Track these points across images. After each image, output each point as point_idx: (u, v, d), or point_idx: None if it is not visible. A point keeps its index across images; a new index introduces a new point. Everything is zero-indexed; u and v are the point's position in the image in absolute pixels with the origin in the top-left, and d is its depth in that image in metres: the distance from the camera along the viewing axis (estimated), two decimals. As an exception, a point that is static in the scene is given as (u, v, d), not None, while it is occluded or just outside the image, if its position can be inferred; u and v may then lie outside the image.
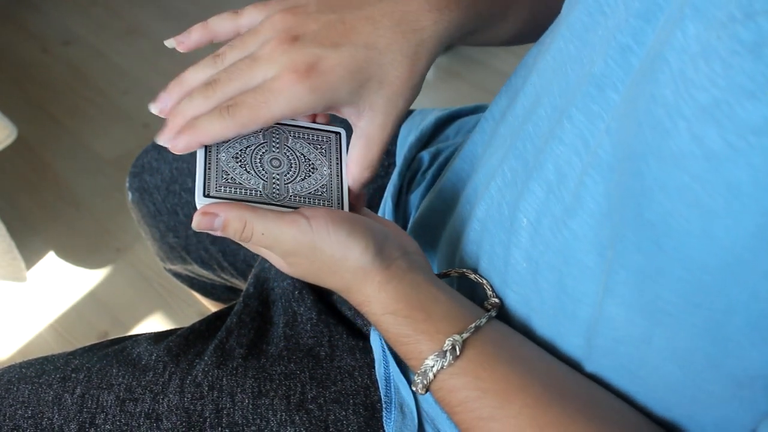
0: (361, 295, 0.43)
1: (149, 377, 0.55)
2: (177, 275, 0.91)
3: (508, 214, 0.43)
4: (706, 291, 0.31)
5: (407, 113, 0.62)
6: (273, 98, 0.42)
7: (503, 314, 0.46)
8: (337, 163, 0.48)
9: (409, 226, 0.58)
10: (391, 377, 0.51)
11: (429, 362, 0.41)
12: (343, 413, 0.53)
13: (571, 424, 0.38)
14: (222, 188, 0.44)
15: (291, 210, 0.44)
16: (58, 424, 0.53)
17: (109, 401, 0.54)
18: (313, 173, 0.47)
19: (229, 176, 0.44)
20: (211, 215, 0.42)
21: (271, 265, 0.64)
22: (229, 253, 0.77)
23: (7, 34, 1.86)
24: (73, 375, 0.56)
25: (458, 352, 0.40)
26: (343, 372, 0.56)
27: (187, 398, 0.54)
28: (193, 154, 0.44)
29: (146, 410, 0.54)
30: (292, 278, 0.62)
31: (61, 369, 0.56)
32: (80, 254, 1.41)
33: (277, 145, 0.47)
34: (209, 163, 0.44)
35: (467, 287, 0.49)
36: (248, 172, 0.45)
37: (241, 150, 0.45)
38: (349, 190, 0.47)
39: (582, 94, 0.38)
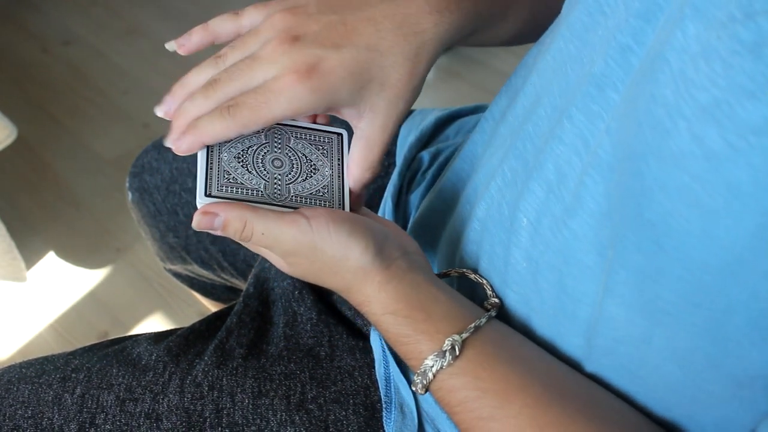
0: (361, 295, 0.43)
1: (149, 377, 0.55)
2: (177, 275, 0.91)
3: (508, 213, 0.43)
4: (706, 291, 0.31)
5: (407, 114, 0.62)
6: (274, 98, 0.42)
7: (503, 314, 0.46)
8: (339, 164, 0.48)
9: (409, 226, 0.58)
10: (391, 377, 0.51)
11: (428, 362, 0.41)
12: (343, 413, 0.53)
13: (571, 424, 0.38)
14: (223, 188, 0.44)
15: (292, 210, 0.44)
16: (58, 424, 0.53)
17: (109, 401, 0.54)
18: (314, 174, 0.47)
19: (231, 176, 0.44)
20: (211, 215, 0.42)
21: (271, 265, 0.64)
22: (229, 253, 0.77)
23: (7, 34, 1.86)
24: (73, 375, 0.56)
25: (458, 352, 0.40)
26: (343, 372, 0.56)
27: (187, 398, 0.54)
28: (194, 154, 0.44)
29: (146, 410, 0.54)
30: (292, 278, 0.62)
31: (61, 369, 0.56)
32: (80, 254, 1.41)
33: (279, 146, 0.47)
34: (211, 163, 0.44)
35: (467, 287, 0.49)
36: (250, 172, 0.45)
37: (242, 150, 0.45)
38: (350, 191, 0.47)
39: (582, 93, 0.38)
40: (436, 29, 0.45)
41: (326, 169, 0.47)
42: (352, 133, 0.47)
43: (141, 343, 0.59)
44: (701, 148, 0.28)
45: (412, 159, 0.65)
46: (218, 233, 0.43)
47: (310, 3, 0.45)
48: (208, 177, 0.44)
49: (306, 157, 0.47)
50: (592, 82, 0.38)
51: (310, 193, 0.46)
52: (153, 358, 0.57)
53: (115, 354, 0.58)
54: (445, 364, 0.40)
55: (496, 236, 0.44)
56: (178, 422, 0.53)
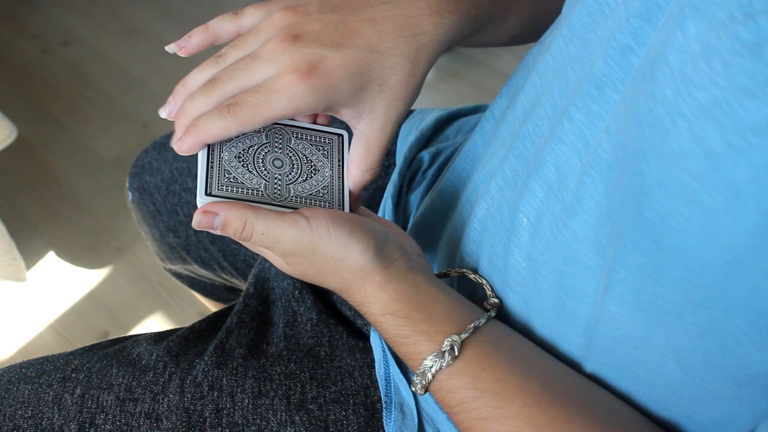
0: (361, 295, 0.43)
1: (149, 377, 0.55)
2: (177, 275, 0.91)
3: (508, 213, 0.43)
4: (706, 290, 0.31)
5: (407, 114, 0.62)
6: (274, 97, 0.42)
7: (503, 314, 0.46)
8: (339, 165, 0.48)
9: (410, 226, 0.58)
10: (391, 377, 0.51)
11: (428, 362, 0.41)
12: (343, 413, 0.53)
13: (570, 424, 0.38)
14: (224, 187, 0.44)
15: (292, 210, 0.44)
16: (58, 424, 0.53)
17: (109, 401, 0.54)
18: (314, 175, 0.47)
19: (231, 175, 0.44)
20: (211, 214, 0.42)
21: (271, 265, 0.64)
22: (229, 253, 0.77)
23: (7, 34, 1.86)
24: (73, 375, 0.56)
25: (457, 353, 0.40)
26: (343, 372, 0.56)
27: (187, 398, 0.54)
28: (195, 154, 0.44)
29: (146, 410, 0.54)
30: (292, 278, 0.62)
31: (61, 369, 0.56)
32: (80, 254, 1.41)
33: (280, 146, 0.47)
34: (212, 162, 0.44)
35: (467, 287, 0.49)
36: (250, 171, 0.45)
37: (243, 150, 0.45)
38: (350, 192, 0.47)
39: (582, 93, 0.38)
40: (436, 31, 0.45)
41: (326, 170, 0.47)
42: (352, 134, 0.47)
43: (141, 343, 0.59)
44: (701, 148, 0.28)
45: (413, 159, 0.65)
46: (218, 233, 0.43)
47: (310, 2, 0.45)
48: (209, 176, 0.44)
49: (306, 158, 0.47)
50: (592, 81, 0.38)
51: (310, 194, 0.46)
52: (153, 358, 0.57)
53: (115, 354, 0.58)
54: (444, 364, 0.40)
55: (497, 236, 0.45)
56: (178, 422, 0.53)
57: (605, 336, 0.38)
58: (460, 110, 0.71)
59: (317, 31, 0.43)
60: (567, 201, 0.38)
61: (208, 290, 0.92)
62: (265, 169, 0.45)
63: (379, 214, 0.62)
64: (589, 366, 0.41)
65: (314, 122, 0.49)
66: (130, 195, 0.82)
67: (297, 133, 0.48)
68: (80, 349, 0.60)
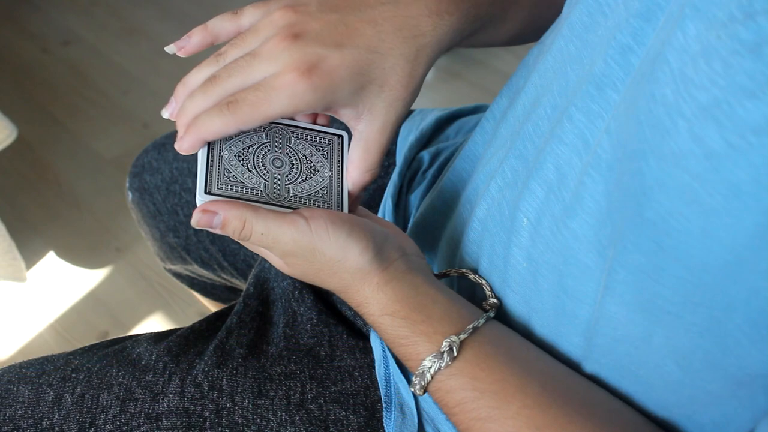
0: (360, 296, 0.44)
1: (149, 377, 0.55)
2: (177, 275, 0.91)
3: (508, 213, 0.43)
4: (706, 290, 0.31)
5: (406, 115, 0.62)
6: (275, 95, 0.42)
7: (504, 314, 0.46)
8: (338, 166, 0.48)
9: (410, 226, 0.58)
10: (391, 377, 0.51)
11: (426, 363, 0.41)
12: (343, 413, 0.53)
13: (569, 425, 0.38)
14: (223, 186, 0.44)
15: (291, 210, 0.44)
16: (58, 424, 0.53)
17: (109, 401, 0.54)
18: (314, 175, 0.47)
19: (231, 174, 0.44)
20: (210, 213, 0.42)
21: (271, 264, 0.64)
22: (229, 253, 0.77)
23: (7, 34, 1.86)
24: (73, 375, 0.56)
25: (455, 353, 0.40)
26: (343, 372, 0.56)
27: (187, 398, 0.54)
28: (195, 153, 0.44)
29: (146, 410, 0.54)
30: (292, 278, 0.62)
31: (61, 369, 0.56)
32: (80, 254, 1.41)
33: (280, 146, 0.47)
34: (212, 161, 0.44)
35: (468, 287, 0.49)
36: (250, 171, 0.45)
37: (243, 149, 0.45)
38: (349, 193, 0.47)
39: (582, 93, 0.38)
40: (435, 32, 0.45)
41: (326, 171, 0.47)
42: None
43: (141, 343, 0.59)
44: (701, 148, 0.28)
45: (413, 159, 0.65)
46: (217, 232, 0.43)
47: (310, 2, 0.45)
48: (209, 174, 0.44)
49: (306, 158, 0.47)
50: (592, 81, 0.38)
51: (309, 194, 0.46)
52: (153, 358, 0.57)
53: (115, 354, 0.58)
54: (443, 365, 0.40)
55: (497, 236, 0.45)
56: (178, 422, 0.53)
57: (605, 336, 0.38)
58: (460, 110, 0.71)
59: (317, 30, 0.43)
60: (567, 201, 0.38)
61: (208, 290, 0.92)
62: (264, 169, 0.45)
63: (379, 214, 0.62)
64: (589, 366, 0.41)
65: (314, 122, 0.49)
66: (130, 195, 0.82)
67: (297, 133, 0.48)
68: (80, 349, 0.60)
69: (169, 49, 0.48)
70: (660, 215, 0.31)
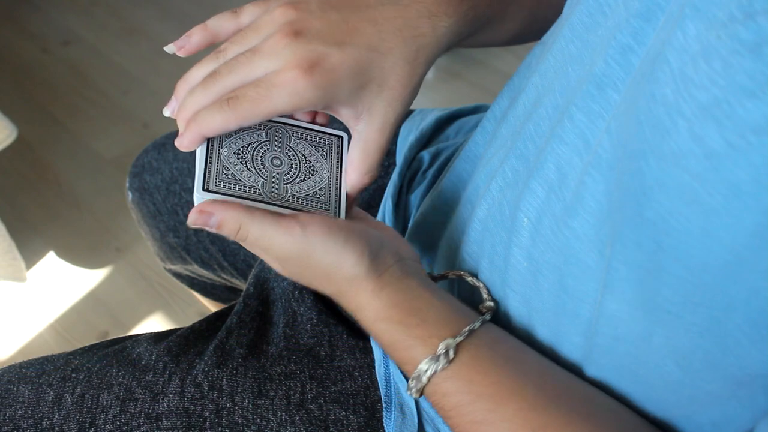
0: (355, 302, 0.44)
1: (149, 377, 0.55)
2: (177, 275, 0.91)
3: (509, 213, 0.43)
4: (706, 289, 0.31)
5: (406, 115, 0.62)
6: (275, 92, 0.42)
7: (504, 314, 0.46)
8: (337, 167, 0.48)
9: (410, 226, 0.58)
10: (391, 377, 0.51)
11: (422, 366, 0.41)
12: (343, 413, 0.53)
13: (566, 426, 0.38)
14: (221, 183, 0.44)
15: (288, 211, 0.44)
16: (58, 424, 0.53)
17: (109, 401, 0.54)
18: (312, 175, 0.47)
19: (230, 172, 0.44)
20: (207, 214, 0.42)
21: (271, 264, 0.64)
22: (229, 253, 0.77)
23: (7, 34, 1.86)
24: (73, 375, 0.56)
25: (451, 356, 0.40)
26: (343, 372, 0.56)
27: (187, 398, 0.54)
28: (194, 152, 0.44)
29: (146, 410, 0.54)
30: (292, 278, 0.62)
31: (61, 369, 0.56)
32: (80, 254, 1.41)
33: (279, 145, 0.47)
34: (210, 157, 0.44)
35: (467, 289, 0.49)
36: (249, 169, 0.45)
37: (243, 146, 0.45)
38: (347, 194, 0.47)
39: (583, 93, 0.38)
40: (435, 33, 0.45)
41: (324, 171, 0.47)
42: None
43: (141, 343, 0.59)
44: (701, 147, 0.28)
45: (413, 159, 0.65)
46: (214, 231, 0.43)
47: (311, 0, 0.45)
48: (207, 171, 0.43)
49: (305, 158, 0.47)
50: (592, 81, 0.38)
51: (307, 195, 0.46)
52: (153, 358, 0.57)
53: (115, 354, 0.58)
54: (439, 368, 0.40)
55: (497, 236, 0.44)
56: (178, 422, 0.53)
57: (605, 335, 0.38)
58: (460, 110, 0.71)
59: (318, 28, 0.43)
60: (568, 200, 0.38)
61: (208, 290, 0.92)
62: (263, 168, 0.45)
63: (379, 214, 0.62)
64: (589, 366, 0.41)
65: (313, 121, 0.49)
66: (130, 195, 0.82)
67: (297, 133, 0.48)
68: (80, 349, 0.60)
69: (169, 48, 0.48)
70: (660, 215, 0.31)
